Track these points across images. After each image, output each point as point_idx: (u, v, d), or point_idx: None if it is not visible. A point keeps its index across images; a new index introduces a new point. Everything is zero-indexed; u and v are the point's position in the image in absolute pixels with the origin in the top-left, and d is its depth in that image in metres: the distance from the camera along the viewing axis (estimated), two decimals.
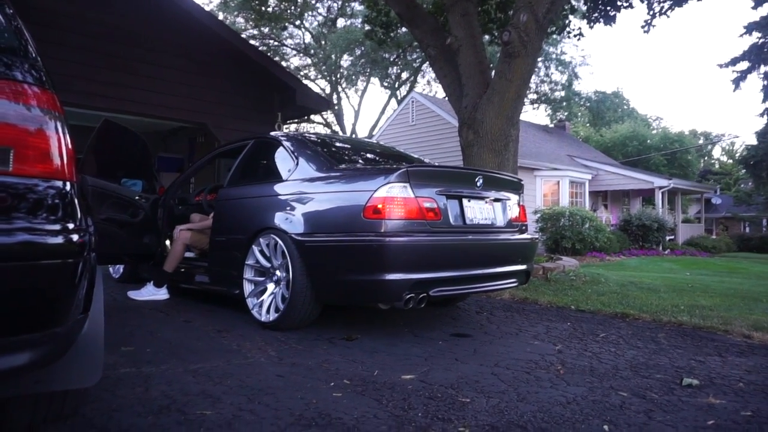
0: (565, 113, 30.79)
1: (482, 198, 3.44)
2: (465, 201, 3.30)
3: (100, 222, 3.89)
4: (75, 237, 1.36)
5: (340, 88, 29.04)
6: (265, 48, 25.69)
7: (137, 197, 4.51)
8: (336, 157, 3.66)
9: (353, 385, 2.29)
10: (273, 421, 1.84)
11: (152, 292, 4.35)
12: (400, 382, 2.34)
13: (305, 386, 2.25)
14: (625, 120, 32.72)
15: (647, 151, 27.60)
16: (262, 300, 3.43)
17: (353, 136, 24.78)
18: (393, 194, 2.96)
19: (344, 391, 2.19)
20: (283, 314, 3.24)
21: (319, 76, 28.91)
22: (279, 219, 3.37)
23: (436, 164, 3.70)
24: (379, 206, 2.94)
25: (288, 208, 3.38)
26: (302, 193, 3.35)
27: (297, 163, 3.56)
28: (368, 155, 3.97)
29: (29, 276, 1.27)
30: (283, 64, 23.92)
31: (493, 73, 6.65)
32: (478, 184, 3.38)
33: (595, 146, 26.31)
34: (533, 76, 25.74)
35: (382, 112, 28.27)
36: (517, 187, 3.82)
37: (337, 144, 4.21)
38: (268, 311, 3.37)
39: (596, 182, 17.46)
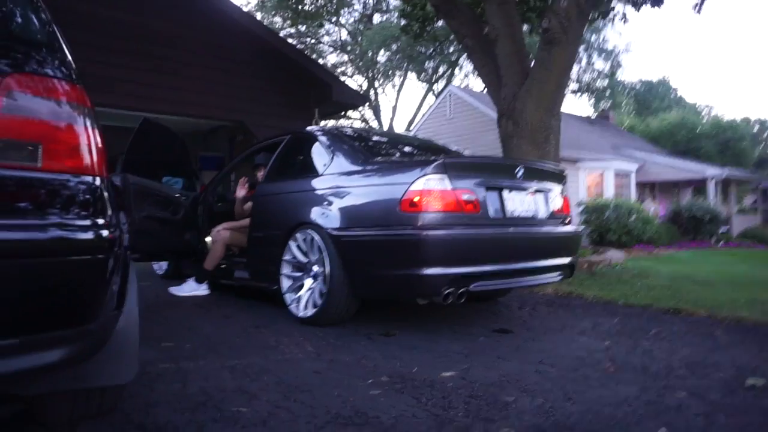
0: (609, 103, 29.82)
1: (523, 189, 3.32)
2: (505, 193, 3.19)
3: (142, 220, 3.96)
4: (105, 232, 1.34)
5: (377, 84, 29.02)
6: (302, 46, 25.88)
7: (178, 195, 4.58)
8: (372, 150, 3.60)
9: (391, 382, 2.23)
10: (309, 419, 1.80)
11: (193, 288, 4.41)
12: (439, 380, 2.26)
13: (342, 383, 2.20)
14: (673, 109, 31.43)
15: (697, 141, 26.43)
16: (300, 295, 3.41)
17: (391, 131, 24.74)
18: (430, 187, 2.87)
19: (382, 389, 2.13)
20: (320, 310, 3.21)
21: (356, 73, 28.97)
22: (315, 214, 3.34)
23: (475, 155, 3.58)
24: (416, 199, 2.86)
25: (324, 202, 3.34)
26: (338, 188, 3.30)
27: (332, 158, 3.52)
28: (405, 148, 3.90)
29: (60, 272, 1.26)
30: (321, 61, 24.04)
31: (532, 63, 6.45)
32: (519, 175, 3.25)
33: (641, 136, 25.37)
34: (574, 65, 25.06)
35: (420, 107, 28.08)
36: (559, 178, 3.67)
37: (374, 138, 4.15)
38: (305, 307, 3.34)
39: (643, 173, 16.82)
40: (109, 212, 1.41)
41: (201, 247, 4.69)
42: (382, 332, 3.12)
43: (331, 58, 29.16)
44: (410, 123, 27.27)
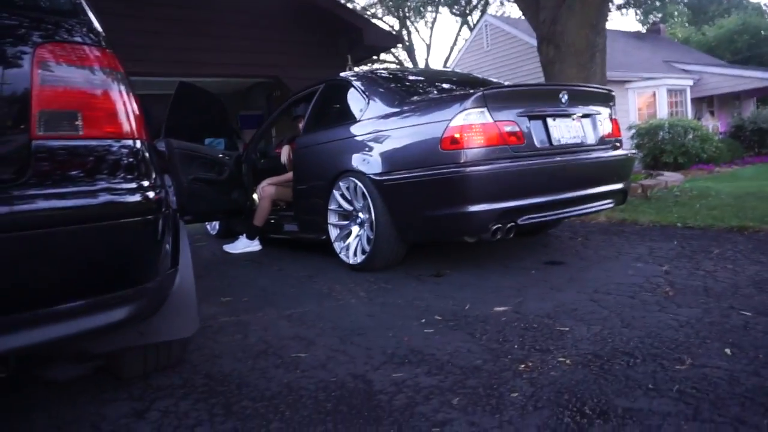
0: (659, 15, 27.72)
1: (569, 115, 3.16)
2: (550, 120, 3.05)
3: (190, 182, 4.06)
4: (151, 194, 1.37)
5: (408, 23, 28.08)
6: None
7: (221, 155, 4.66)
8: (408, 90, 3.50)
9: (444, 320, 2.25)
10: (366, 360, 1.85)
11: (246, 245, 4.55)
12: (492, 315, 2.27)
13: (396, 324, 2.24)
14: (732, 12, 28.91)
15: (762, 46, 24.32)
16: (348, 243, 3.45)
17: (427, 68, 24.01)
18: (470, 121, 2.78)
19: (436, 327, 2.16)
20: (369, 255, 3.24)
21: (387, 14, 28.05)
22: (356, 161, 3.32)
23: (515, 84, 3.43)
24: (457, 135, 2.78)
25: (363, 148, 3.31)
26: (376, 132, 3.26)
27: (368, 102, 3.45)
28: (443, 85, 3.77)
29: (114, 235, 1.31)
30: (349, 6, 23.32)
31: None
32: (563, 100, 3.10)
33: (696, 48, 23.60)
34: None
35: (455, 43, 27.13)
36: (607, 100, 3.47)
37: (410, 77, 4.03)
38: (355, 254, 3.39)
39: (699, 88, 15.75)
40: (153, 174, 1.44)
41: (249, 204, 4.79)
42: (432, 273, 3.14)
43: (360, 1, 28.30)
44: (446, 60, 26.40)
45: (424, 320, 2.27)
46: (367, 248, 3.26)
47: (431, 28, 35.34)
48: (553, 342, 1.89)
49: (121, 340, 1.58)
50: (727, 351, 1.69)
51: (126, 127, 1.37)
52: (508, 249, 3.63)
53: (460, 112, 2.79)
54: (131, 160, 1.37)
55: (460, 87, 3.71)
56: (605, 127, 3.40)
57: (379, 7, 28.02)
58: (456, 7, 26.74)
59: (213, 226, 5.85)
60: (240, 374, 1.81)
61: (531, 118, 2.97)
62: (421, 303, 2.55)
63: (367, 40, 9.13)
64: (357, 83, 3.65)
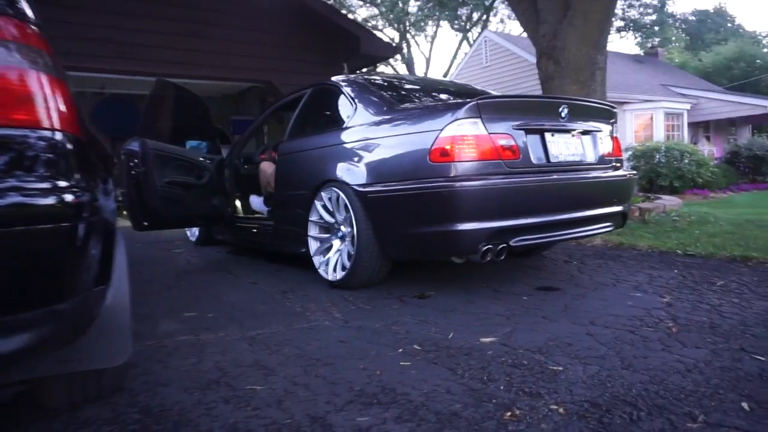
0: (657, 39, 27.85)
1: (568, 131, 2.96)
2: (548, 135, 2.85)
3: (164, 186, 3.82)
4: (69, 197, 1.14)
5: (409, 36, 28.06)
6: (331, 1, 25.08)
7: (202, 159, 4.42)
8: (399, 97, 3.29)
9: (424, 351, 2.01)
10: (329, 397, 1.61)
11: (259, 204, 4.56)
12: (478, 347, 2.03)
13: (369, 354, 2.00)
14: (729, 40, 29.12)
15: (757, 73, 24.45)
16: (329, 258, 3.22)
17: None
18: (462, 132, 2.57)
19: (413, 359, 1.92)
20: (349, 272, 3.01)
21: (387, 25, 28.04)
22: (339, 170, 3.10)
23: (512, 94, 3.23)
24: (447, 147, 2.57)
25: (348, 157, 3.09)
26: (362, 140, 3.04)
27: (355, 108, 3.24)
28: (437, 94, 3.57)
29: (17, 244, 1.07)
30: (350, 16, 23.23)
31: None
32: (563, 114, 2.89)
33: (693, 73, 23.70)
34: (619, 1, 23.36)
35: (454, 57, 27.06)
36: (608, 116, 3.28)
37: (405, 84, 3.81)
38: (335, 269, 3.15)
39: (696, 112, 15.73)
40: (77, 174, 1.21)
41: (231, 211, 4.55)
42: (416, 294, 2.90)
43: (362, 12, 28.28)
44: (445, 74, 26.35)
45: (401, 350, 2.03)
46: (348, 264, 3.03)
47: (431, 42, 35.30)
48: (544, 384, 1.66)
49: (37, 368, 1.33)
50: (744, 406, 1.47)
51: (43, 117, 1.14)
52: (500, 271, 3.41)
53: (452, 122, 2.58)
54: (48, 155, 1.14)
55: (455, 97, 3.51)
56: (606, 146, 3.21)
57: (380, 19, 28.03)
58: (456, 22, 26.76)
59: (193, 233, 5.59)
60: (182, 409, 1.56)
61: (528, 131, 2.76)
62: (401, 329, 2.32)
63: (364, 49, 8.98)
64: (346, 88, 3.43)
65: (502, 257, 2.68)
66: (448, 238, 2.61)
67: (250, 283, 3.40)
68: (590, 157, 3.08)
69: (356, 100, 3.26)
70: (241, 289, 3.22)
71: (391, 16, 26.72)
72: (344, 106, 3.36)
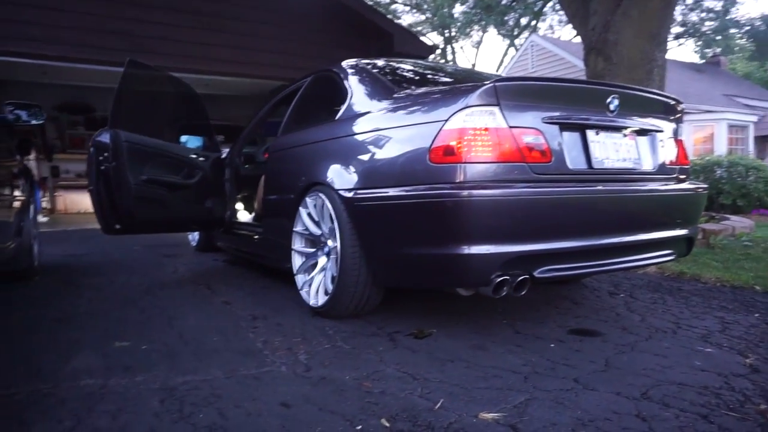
0: (719, 48, 26.11)
1: (618, 129, 2.28)
2: (590, 133, 2.18)
3: (142, 184, 3.32)
4: None
5: (454, 42, 27.39)
6: (377, 7, 24.66)
7: (193, 156, 3.92)
8: (403, 82, 2.67)
9: (393, 430, 1.39)
10: None
11: None
12: (473, 429, 1.40)
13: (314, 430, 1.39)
14: None
15: None
16: (313, 277, 2.63)
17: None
18: (474, 124, 1.94)
19: None
20: (332, 298, 2.41)
21: (431, 30, 27.47)
22: (325, 171, 2.51)
23: (544, 77, 2.56)
24: (453, 144, 1.94)
25: (335, 156, 2.50)
26: (353, 135, 2.44)
27: (350, 96, 2.65)
28: (450, 78, 2.94)
29: None
30: (396, 22, 22.75)
31: None
32: (612, 107, 2.22)
33: (759, 84, 22.01)
34: (677, 4, 21.96)
35: (501, 63, 26.16)
36: (672, 112, 2.57)
37: (418, 69, 3.17)
38: (317, 292, 2.56)
39: (764, 125, 14.41)
40: None
41: (228, 215, 4.02)
42: (413, 331, 2.28)
43: (407, 18, 27.79)
44: None
45: (360, 427, 1.42)
46: (330, 288, 2.43)
47: (477, 48, 34.37)
48: None
49: None
50: None
51: None
52: (526, 302, 2.74)
53: (461, 109, 1.95)
54: None
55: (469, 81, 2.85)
56: (668, 151, 2.50)
57: (427, 25, 27.45)
58: (504, 27, 25.90)
59: (194, 237, 5.13)
60: None
61: (564, 127, 2.10)
62: (376, 386, 1.70)
63: (397, 47, 8.48)
64: (343, 73, 2.85)
65: (523, 292, 2.02)
66: (451, 264, 1.97)
67: (222, 303, 2.85)
68: (647, 164, 2.38)
69: (350, 87, 2.67)
70: (204, 312, 2.66)
71: (436, 20, 26.11)
72: (339, 94, 2.77)
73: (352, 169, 2.36)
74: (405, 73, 2.91)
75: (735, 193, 9.98)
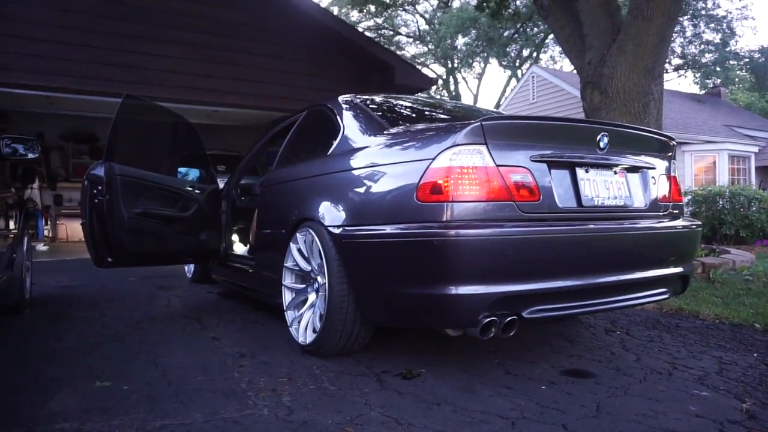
0: (719, 80, 26.36)
1: (609, 166, 2.27)
2: (580, 171, 2.17)
3: (136, 217, 3.32)
4: None
5: (456, 72, 27.78)
6: (380, 39, 25.12)
7: (189, 188, 3.92)
8: (394, 119, 2.69)
9: None
10: None
11: None
12: None
13: None
14: None
15: None
16: (302, 314, 2.60)
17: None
18: (461, 163, 1.93)
19: None
20: (320, 336, 2.37)
21: (434, 62, 27.91)
22: (316, 207, 2.50)
23: (531, 116, 2.57)
24: (440, 182, 1.93)
25: (325, 191, 2.50)
26: (343, 171, 2.44)
27: (341, 132, 2.66)
28: (446, 115, 2.95)
29: None
30: (399, 53, 23.15)
31: (625, 14, 5.21)
32: (602, 144, 2.21)
33: (761, 115, 22.12)
34: (676, 37, 22.26)
35: (503, 94, 26.46)
36: (664, 149, 2.56)
37: (412, 105, 3.21)
38: (306, 329, 2.52)
39: (766, 156, 14.41)
40: None
41: (224, 248, 4.00)
42: (402, 371, 2.23)
43: (411, 50, 28.26)
44: None
45: None
46: (318, 325, 2.40)
47: (479, 79, 34.72)
48: None
49: None
50: None
51: None
52: (519, 338, 2.68)
53: (448, 148, 1.95)
54: None
55: (458, 119, 2.86)
56: (660, 187, 2.48)
57: (430, 57, 27.89)
58: (506, 59, 26.28)
59: (189, 269, 5.11)
60: None
61: (552, 165, 2.09)
62: (358, 431, 1.65)
63: (398, 79, 8.56)
64: (337, 108, 2.87)
65: (511, 333, 1.98)
66: (437, 305, 1.94)
67: (210, 339, 2.81)
68: (639, 202, 2.36)
69: (343, 123, 2.68)
70: (192, 349, 2.62)
71: (438, 51, 26.53)
72: (331, 130, 2.78)
73: (341, 205, 2.35)
74: (399, 110, 2.93)
75: (738, 223, 9.93)
